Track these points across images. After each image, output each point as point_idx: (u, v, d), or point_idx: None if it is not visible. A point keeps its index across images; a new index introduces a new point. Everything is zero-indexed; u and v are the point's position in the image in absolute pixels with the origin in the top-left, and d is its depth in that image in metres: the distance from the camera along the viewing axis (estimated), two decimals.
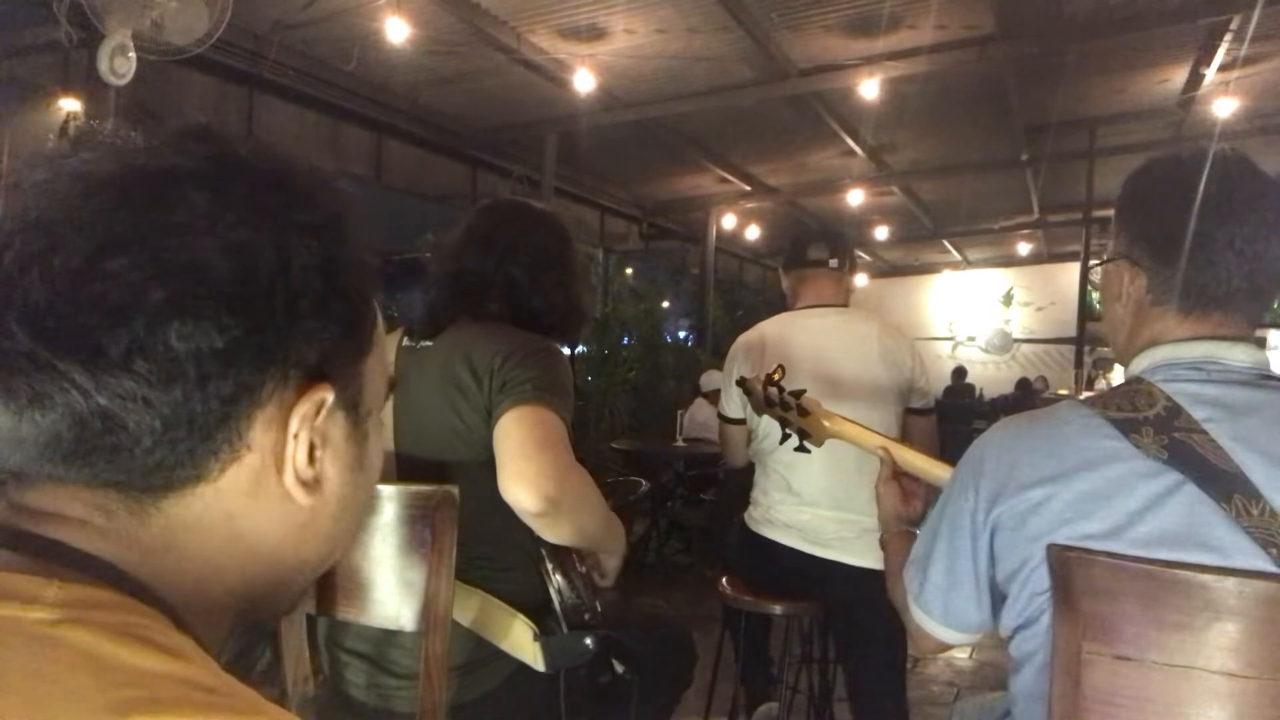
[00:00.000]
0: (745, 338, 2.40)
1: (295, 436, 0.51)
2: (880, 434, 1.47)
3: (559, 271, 1.64)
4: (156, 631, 0.44)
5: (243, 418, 0.49)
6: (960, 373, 11.88)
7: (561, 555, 1.47)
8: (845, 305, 2.37)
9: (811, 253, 2.37)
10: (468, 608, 1.44)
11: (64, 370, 0.44)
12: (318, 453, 0.53)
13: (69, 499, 0.48)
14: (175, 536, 0.50)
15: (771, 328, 2.36)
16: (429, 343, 1.55)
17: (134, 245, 0.45)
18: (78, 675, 0.39)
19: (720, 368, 2.67)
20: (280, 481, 0.52)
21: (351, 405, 0.56)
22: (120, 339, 0.44)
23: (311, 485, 0.53)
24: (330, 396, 0.52)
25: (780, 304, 2.57)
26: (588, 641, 1.43)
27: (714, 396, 5.28)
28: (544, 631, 1.43)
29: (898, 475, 1.35)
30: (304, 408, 0.51)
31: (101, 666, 0.40)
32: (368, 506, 0.61)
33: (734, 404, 2.33)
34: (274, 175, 0.52)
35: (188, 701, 0.40)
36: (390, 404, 1.54)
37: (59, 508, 0.48)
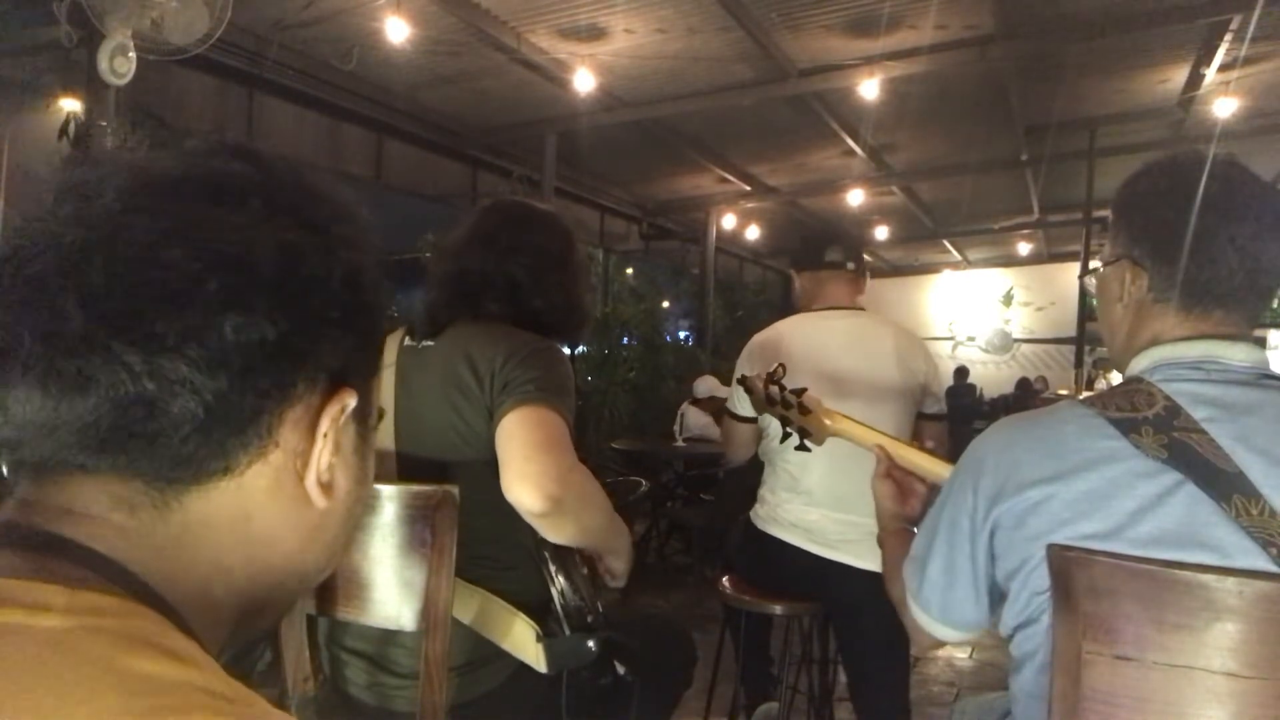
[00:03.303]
0: (762, 336, 2.40)
1: (324, 435, 0.54)
2: (883, 433, 1.47)
3: (561, 272, 1.64)
4: (166, 637, 0.44)
5: (274, 414, 0.51)
6: (962, 372, 11.89)
7: (564, 556, 1.47)
8: (861, 309, 2.36)
9: (829, 255, 2.36)
10: (469, 607, 1.44)
11: (118, 351, 0.45)
12: (332, 460, 0.55)
13: (94, 491, 0.49)
14: (191, 533, 0.51)
15: (788, 327, 2.36)
16: (430, 342, 1.55)
17: (195, 238, 0.48)
18: (94, 682, 0.39)
19: (717, 371, 2.68)
20: (299, 483, 0.54)
21: (362, 418, 0.58)
22: (176, 324, 0.46)
23: (327, 489, 0.55)
24: (352, 402, 0.55)
25: (780, 304, 2.57)
26: (590, 644, 1.43)
27: (706, 404, 5.28)
28: (545, 632, 1.43)
29: (892, 472, 1.35)
30: (333, 409, 0.54)
31: (117, 674, 0.40)
32: (361, 521, 0.63)
33: (745, 401, 2.33)
34: (316, 192, 0.55)
35: (203, 708, 0.40)
36: (392, 403, 1.54)
37: (79, 503, 0.49)
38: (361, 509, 0.62)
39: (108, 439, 0.47)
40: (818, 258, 2.39)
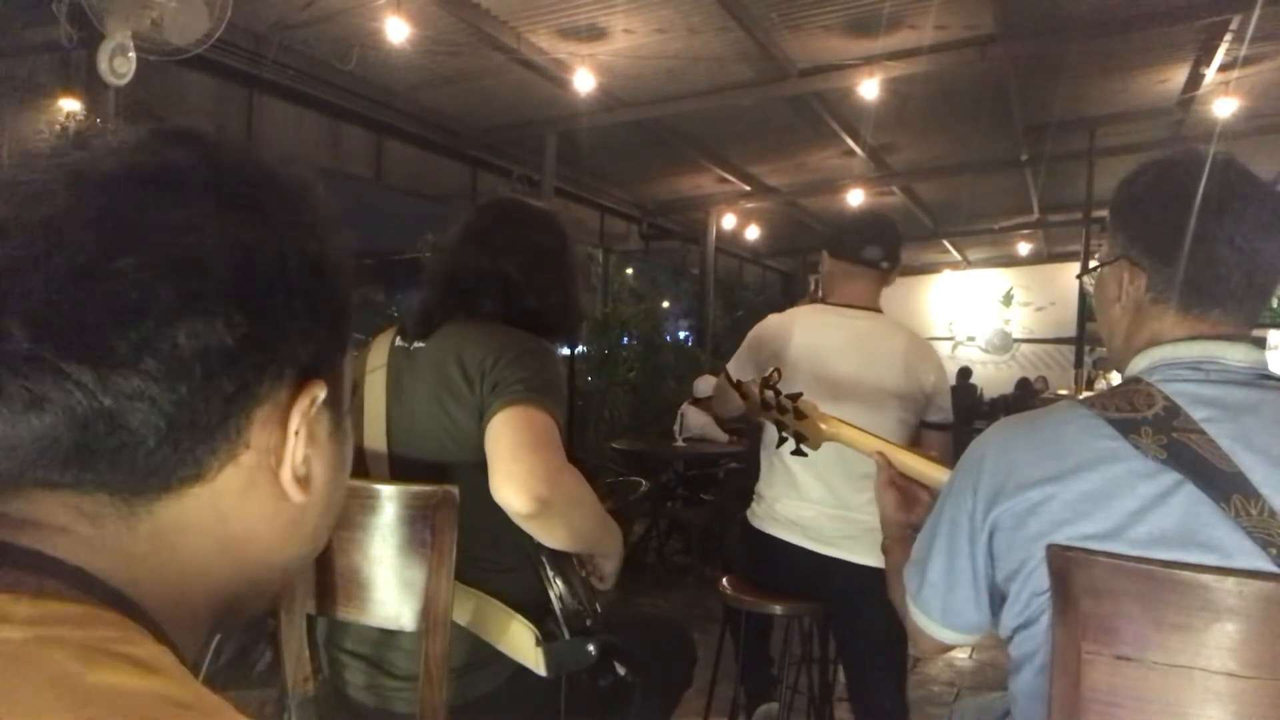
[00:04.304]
0: (777, 321, 2.38)
1: (296, 433, 0.52)
2: (880, 437, 1.47)
3: (556, 271, 1.63)
4: (131, 644, 0.43)
5: (242, 416, 0.49)
6: (965, 373, 11.87)
7: (561, 559, 1.46)
8: (878, 310, 2.33)
9: (866, 252, 2.31)
10: (467, 609, 1.44)
11: (68, 371, 0.43)
12: (307, 452, 0.53)
13: (56, 505, 0.47)
14: (163, 540, 0.49)
15: (799, 320, 2.34)
16: (421, 343, 1.55)
17: (141, 244, 0.45)
18: (46, 696, 0.39)
19: (717, 371, 2.68)
20: (274, 480, 0.52)
21: (335, 404, 0.56)
22: (130, 338, 0.44)
23: (304, 483, 0.54)
24: (322, 394, 0.53)
25: (779, 304, 2.57)
26: (590, 648, 1.42)
27: (706, 404, 5.29)
28: (545, 635, 1.42)
29: (895, 480, 1.33)
30: (303, 403, 0.52)
31: (71, 686, 0.39)
32: (342, 506, 0.62)
33: (746, 371, 2.32)
34: (266, 176, 0.52)
35: (158, 717, 0.39)
36: (384, 404, 1.53)
37: (41, 515, 0.47)
38: (341, 494, 0.60)
39: (71, 456, 0.45)
40: (854, 251, 2.31)
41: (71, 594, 0.44)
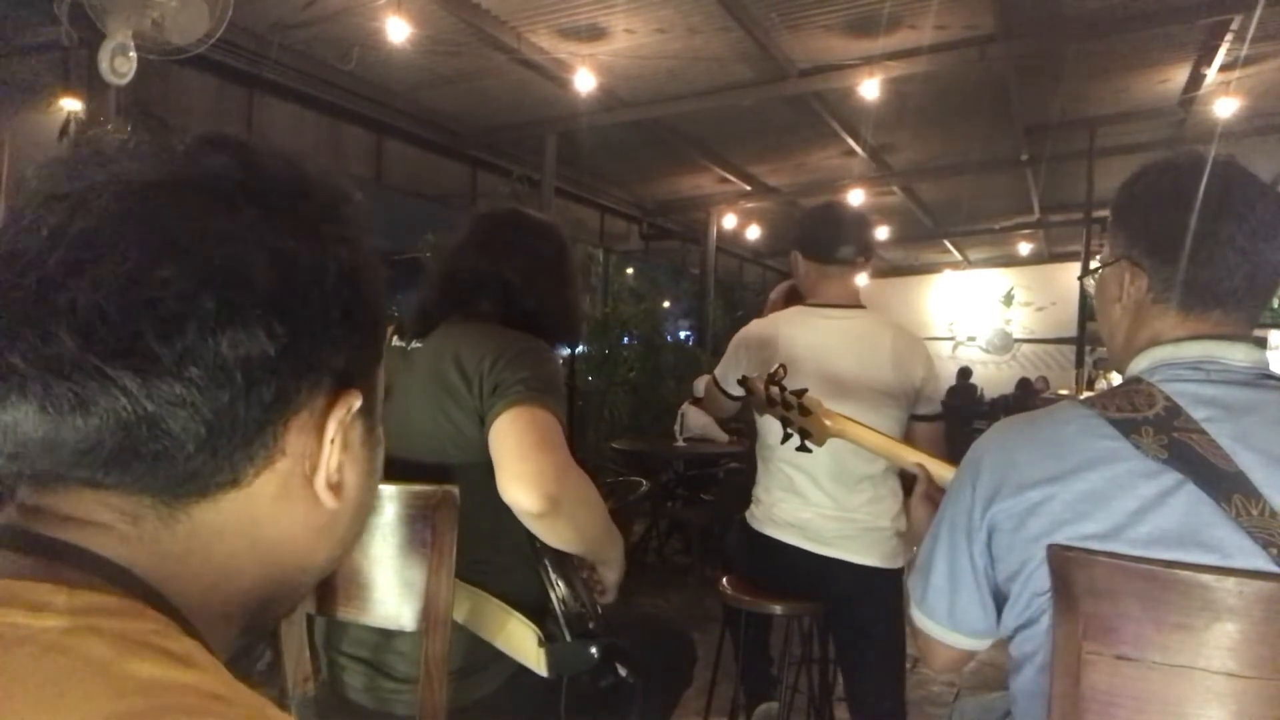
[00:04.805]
0: (760, 328, 2.37)
1: (332, 441, 0.53)
2: (884, 434, 1.47)
3: (554, 275, 1.65)
4: (167, 638, 0.44)
5: (280, 423, 0.50)
6: (965, 373, 11.87)
7: (563, 561, 1.46)
8: (862, 306, 2.33)
9: (842, 252, 2.30)
10: (468, 610, 1.44)
11: (114, 376, 0.44)
12: (341, 458, 0.54)
13: (98, 503, 0.48)
14: (199, 541, 0.50)
15: (786, 324, 2.33)
16: (419, 344, 1.55)
17: (186, 253, 0.46)
18: (86, 684, 0.39)
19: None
20: (308, 486, 0.53)
21: (369, 411, 0.57)
22: (174, 345, 0.45)
23: (336, 489, 0.55)
24: (358, 402, 0.54)
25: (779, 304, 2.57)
26: (592, 650, 1.42)
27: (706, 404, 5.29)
28: (545, 636, 1.42)
29: (932, 494, 1.30)
30: (339, 412, 0.53)
31: (110, 676, 0.40)
32: (372, 511, 0.62)
33: (734, 385, 2.33)
34: (304, 186, 0.53)
35: (196, 710, 0.40)
36: None
37: (83, 512, 0.48)
38: (372, 499, 0.61)
39: (114, 457, 0.46)
40: (828, 252, 2.31)
41: (110, 587, 0.45)
